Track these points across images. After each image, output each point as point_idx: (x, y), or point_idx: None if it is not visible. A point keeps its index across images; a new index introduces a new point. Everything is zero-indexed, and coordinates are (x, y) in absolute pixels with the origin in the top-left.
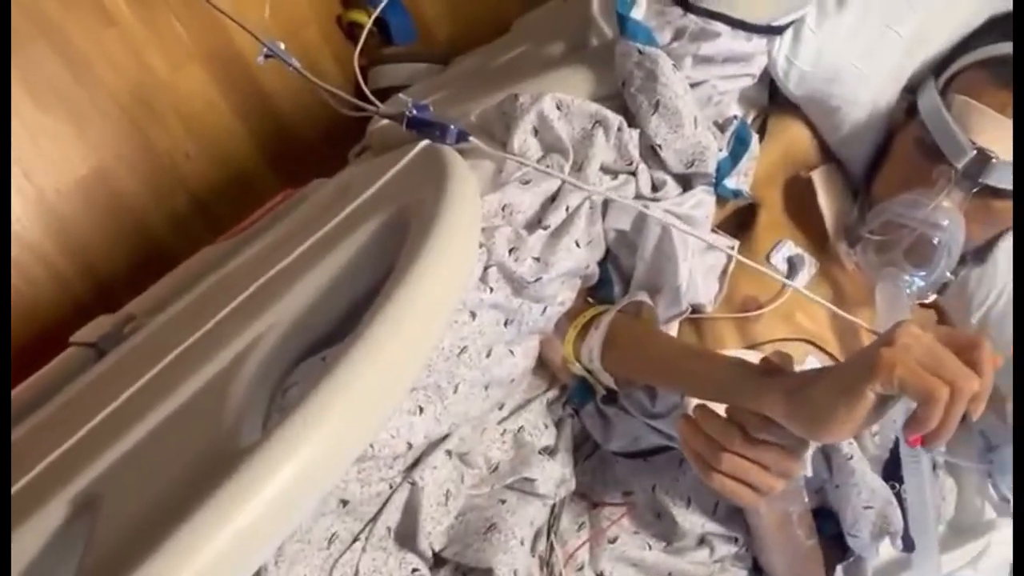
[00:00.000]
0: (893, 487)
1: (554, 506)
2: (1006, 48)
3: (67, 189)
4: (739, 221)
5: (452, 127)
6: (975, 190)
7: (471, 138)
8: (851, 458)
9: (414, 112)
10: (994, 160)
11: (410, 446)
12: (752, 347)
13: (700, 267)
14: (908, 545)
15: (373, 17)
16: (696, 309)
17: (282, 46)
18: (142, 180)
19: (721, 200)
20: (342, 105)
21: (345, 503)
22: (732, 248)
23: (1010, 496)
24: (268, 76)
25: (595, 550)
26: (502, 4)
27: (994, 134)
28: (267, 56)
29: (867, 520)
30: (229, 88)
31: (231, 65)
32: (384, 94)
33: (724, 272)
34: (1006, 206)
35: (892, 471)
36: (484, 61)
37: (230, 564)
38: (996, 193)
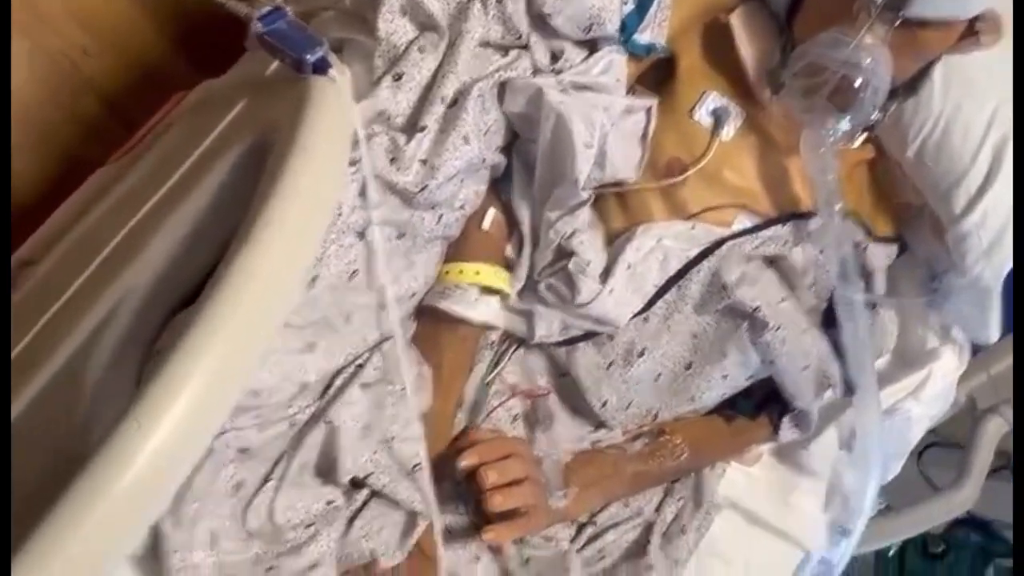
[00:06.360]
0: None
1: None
2: None
3: None
4: (659, 76)
5: (308, 57)
6: (897, 23)
7: (331, 71)
8: (778, 328)
9: (260, 28)
10: None
11: (303, 386)
12: (685, 219)
13: (618, 136)
14: (849, 390)
15: None
16: (618, 183)
17: None
18: (43, 88)
19: (636, 56)
20: None
21: (245, 450)
22: (650, 108)
23: (951, 325)
24: None
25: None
26: None
27: None
28: None
29: (807, 381)
30: None
31: None
32: None
33: (644, 136)
34: (934, 36)
35: (832, 318)
36: None
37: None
38: (922, 23)
